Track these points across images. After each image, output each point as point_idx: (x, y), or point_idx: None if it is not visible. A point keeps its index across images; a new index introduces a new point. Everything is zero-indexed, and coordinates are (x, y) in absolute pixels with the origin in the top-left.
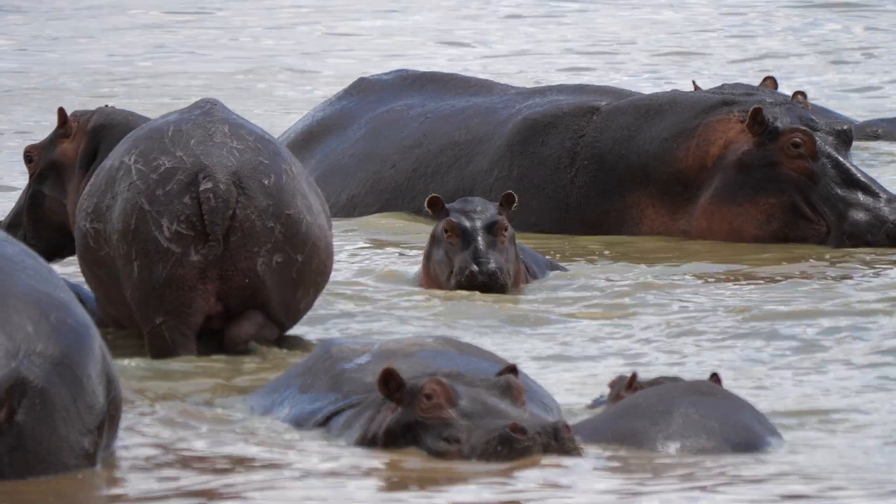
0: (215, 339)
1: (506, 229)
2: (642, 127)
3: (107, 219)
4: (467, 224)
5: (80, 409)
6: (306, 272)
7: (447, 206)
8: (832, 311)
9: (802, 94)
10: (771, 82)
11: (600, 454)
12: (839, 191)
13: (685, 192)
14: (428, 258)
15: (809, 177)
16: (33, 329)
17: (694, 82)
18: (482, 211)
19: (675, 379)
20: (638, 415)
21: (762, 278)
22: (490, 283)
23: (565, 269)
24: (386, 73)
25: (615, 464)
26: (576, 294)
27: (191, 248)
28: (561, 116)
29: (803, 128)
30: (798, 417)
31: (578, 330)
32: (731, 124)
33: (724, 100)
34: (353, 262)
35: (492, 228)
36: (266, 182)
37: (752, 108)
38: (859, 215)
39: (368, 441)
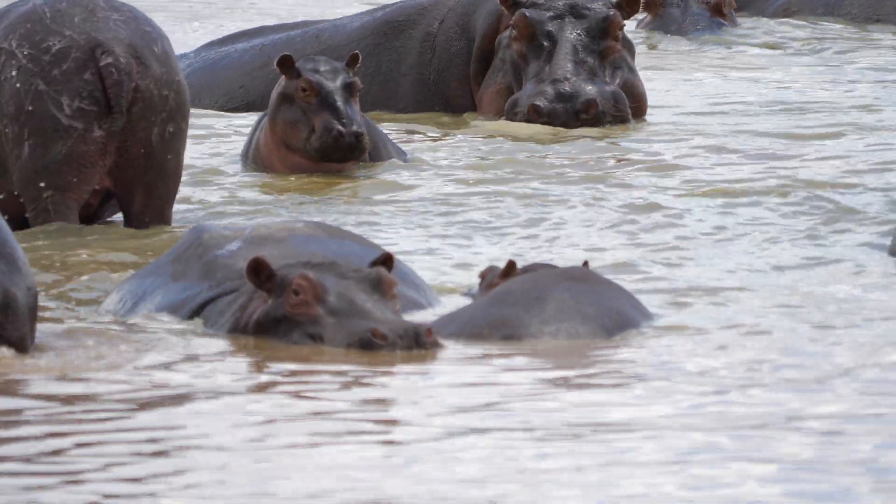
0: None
1: (359, 90)
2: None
3: None
4: (327, 84)
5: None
6: (185, 142)
7: (297, 64)
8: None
9: None
10: None
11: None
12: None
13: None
14: (273, 119)
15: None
16: None
17: None
18: (334, 70)
19: (548, 266)
20: (511, 302)
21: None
22: (355, 145)
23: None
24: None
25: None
26: (437, 177)
27: (94, 123)
28: (421, 12)
29: None
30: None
31: (447, 213)
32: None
33: None
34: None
35: (349, 88)
36: (156, 50)
37: None
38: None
39: (240, 330)
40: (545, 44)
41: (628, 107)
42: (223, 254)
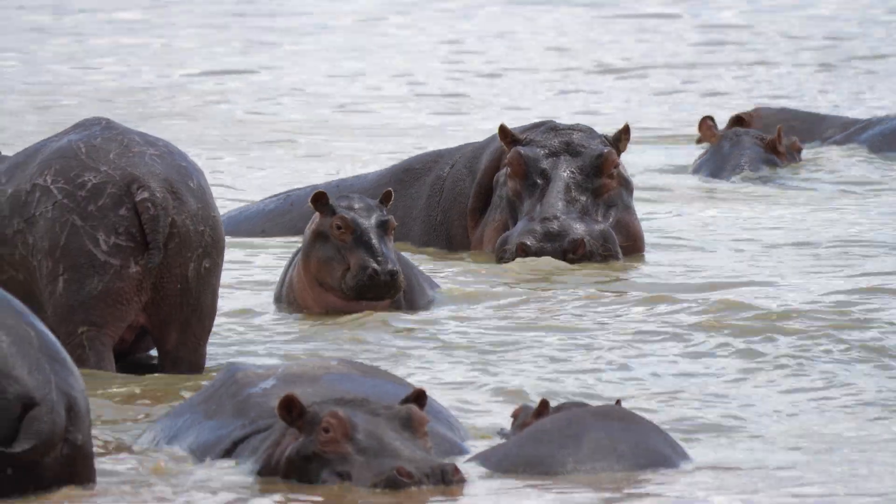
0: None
1: (394, 228)
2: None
3: (16, 242)
4: (362, 221)
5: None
6: (220, 278)
7: (331, 202)
8: None
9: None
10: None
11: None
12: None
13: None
14: (307, 257)
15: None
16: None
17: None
18: (368, 208)
19: (581, 404)
20: (546, 440)
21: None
22: (391, 283)
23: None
24: None
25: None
26: (474, 312)
27: (130, 259)
28: (436, 159)
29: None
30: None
31: (481, 349)
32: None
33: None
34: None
35: (384, 226)
36: (192, 185)
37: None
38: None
39: (272, 467)
40: (539, 181)
41: (618, 245)
42: (256, 392)
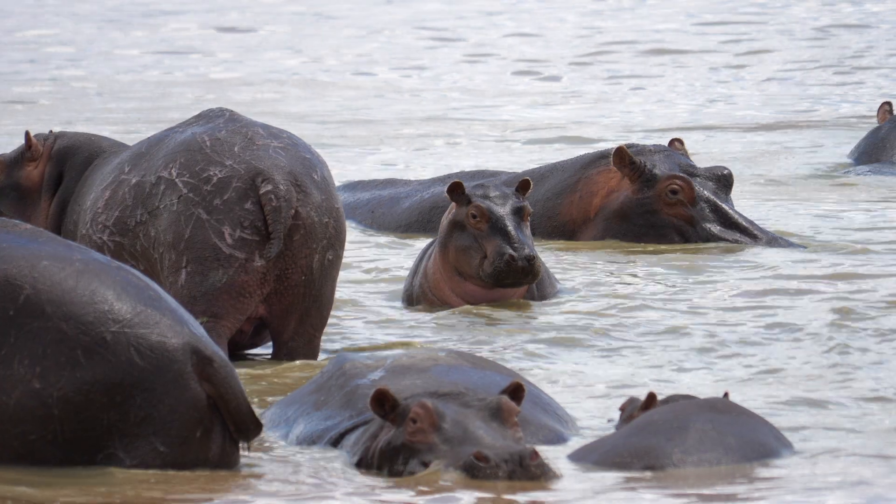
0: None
1: (530, 214)
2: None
3: (138, 233)
4: (497, 209)
5: None
6: (338, 270)
7: (467, 191)
8: None
9: (679, 140)
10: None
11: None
12: (718, 233)
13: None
14: (445, 247)
15: (688, 221)
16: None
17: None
18: (504, 196)
19: (689, 397)
20: (653, 431)
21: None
22: (528, 268)
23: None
24: None
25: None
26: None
27: (255, 253)
28: None
29: (680, 174)
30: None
31: (596, 341)
32: (611, 174)
33: (602, 153)
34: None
35: (520, 213)
36: (315, 177)
37: (615, 149)
38: None
39: (368, 459)
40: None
41: None
42: (364, 383)
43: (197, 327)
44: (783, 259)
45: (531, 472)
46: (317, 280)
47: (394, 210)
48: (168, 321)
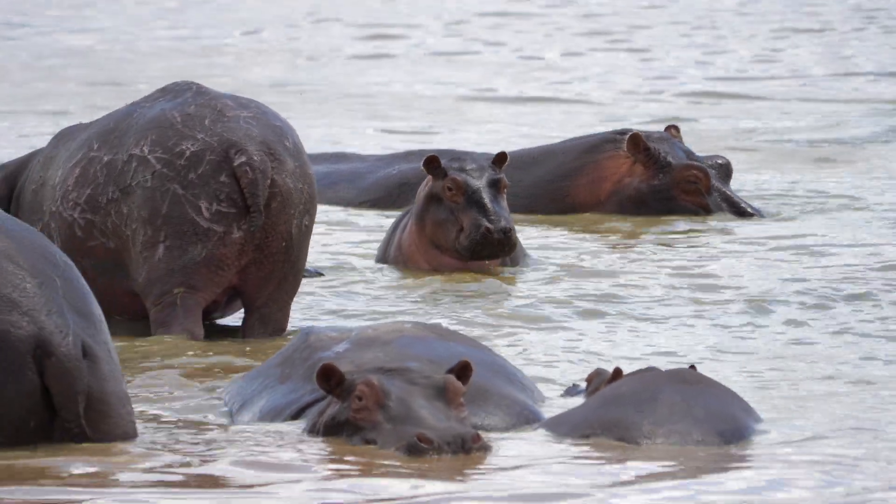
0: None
1: (507, 187)
2: (520, 177)
3: (109, 210)
4: (473, 182)
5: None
6: (311, 235)
7: (443, 164)
8: None
9: (675, 127)
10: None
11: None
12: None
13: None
14: (421, 220)
15: (704, 208)
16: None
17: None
18: (480, 168)
19: (654, 369)
20: (622, 403)
21: None
22: (505, 241)
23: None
24: None
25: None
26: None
27: (233, 225)
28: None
29: (697, 164)
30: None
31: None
32: (621, 160)
33: (607, 138)
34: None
35: (496, 185)
36: (288, 144)
37: (629, 135)
38: None
39: (314, 433)
40: None
41: None
42: (328, 356)
43: (60, 319)
44: (760, 233)
45: (473, 454)
46: (295, 246)
47: (357, 185)
48: (21, 311)
